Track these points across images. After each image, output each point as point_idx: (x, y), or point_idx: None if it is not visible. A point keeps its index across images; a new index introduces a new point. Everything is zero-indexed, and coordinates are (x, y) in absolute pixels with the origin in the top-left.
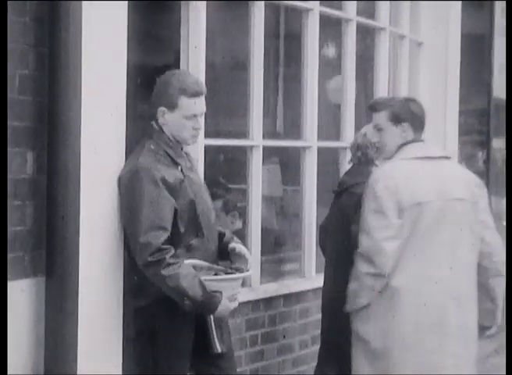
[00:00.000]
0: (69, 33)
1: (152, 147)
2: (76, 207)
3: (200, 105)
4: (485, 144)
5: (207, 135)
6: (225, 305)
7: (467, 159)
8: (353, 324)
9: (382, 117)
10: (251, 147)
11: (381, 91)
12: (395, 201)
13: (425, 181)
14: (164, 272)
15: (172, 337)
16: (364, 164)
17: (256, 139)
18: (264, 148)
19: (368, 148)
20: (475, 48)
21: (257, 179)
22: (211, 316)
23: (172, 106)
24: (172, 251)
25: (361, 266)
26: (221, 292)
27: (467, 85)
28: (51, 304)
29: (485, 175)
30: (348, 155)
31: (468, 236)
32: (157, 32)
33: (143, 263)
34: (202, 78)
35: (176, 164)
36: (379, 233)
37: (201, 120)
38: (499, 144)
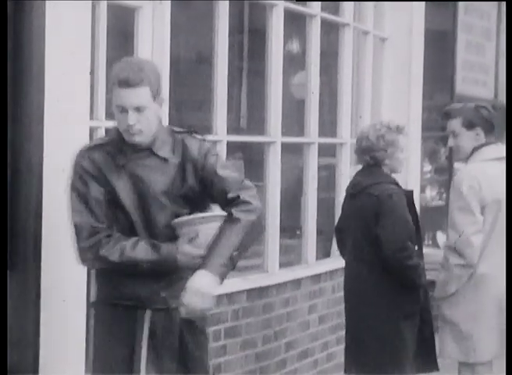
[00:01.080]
0: (33, 32)
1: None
2: (39, 201)
3: (129, 97)
4: (448, 140)
5: None
6: (186, 251)
7: (429, 155)
8: (441, 309)
9: (456, 124)
10: (215, 142)
11: (344, 86)
12: (478, 199)
13: (501, 180)
14: (103, 252)
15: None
16: (373, 165)
17: (220, 134)
18: (228, 143)
19: (374, 151)
20: (438, 45)
21: None
22: (145, 341)
23: (110, 96)
24: (107, 232)
25: (451, 259)
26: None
27: (431, 81)
28: (13, 297)
29: (447, 170)
30: (311, 151)
31: None
32: (124, 27)
33: (80, 251)
34: (166, 73)
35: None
36: (467, 228)
37: (140, 117)
38: None
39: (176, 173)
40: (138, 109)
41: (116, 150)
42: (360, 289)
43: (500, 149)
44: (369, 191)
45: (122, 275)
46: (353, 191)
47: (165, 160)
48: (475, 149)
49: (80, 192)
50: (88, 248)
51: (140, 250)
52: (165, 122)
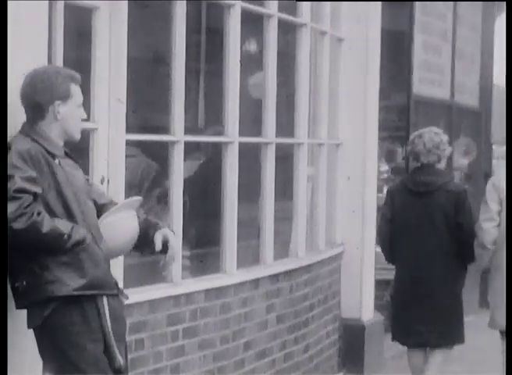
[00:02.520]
0: None
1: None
2: None
3: (80, 93)
4: (405, 140)
5: (128, 130)
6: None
7: (386, 155)
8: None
9: None
10: (173, 142)
11: (302, 86)
12: (497, 193)
13: None
14: (17, 225)
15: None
16: (432, 164)
17: (177, 134)
18: (186, 144)
19: (439, 150)
20: (395, 45)
21: (179, 174)
22: (110, 327)
23: (66, 96)
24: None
25: (475, 240)
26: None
27: (387, 81)
28: None
29: (404, 170)
30: (269, 151)
31: None
32: (81, 27)
33: (17, 213)
34: (124, 73)
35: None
36: (482, 215)
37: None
38: None
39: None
40: None
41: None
42: (439, 269)
43: None
44: (445, 188)
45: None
46: (428, 189)
47: (76, 162)
48: None
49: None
50: (25, 212)
51: (62, 223)
52: (123, 123)
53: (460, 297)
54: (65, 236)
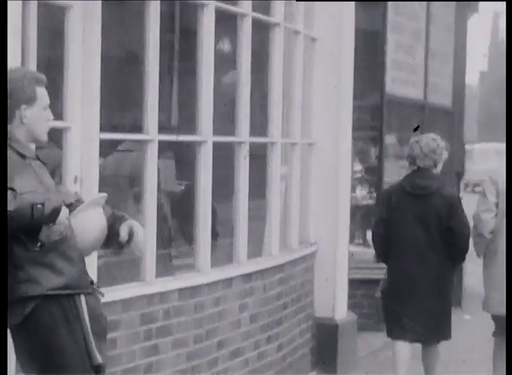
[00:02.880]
0: None
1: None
2: None
3: (47, 95)
4: (378, 140)
5: (102, 129)
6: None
7: (360, 155)
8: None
9: None
10: (147, 141)
11: (275, 85)
12: (495, 187)
13: None
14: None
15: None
16: (428, 168)
17: (151, 133)
18: (159, 143)
19: (436, 154)
20: (369, 45)
21: (153, 173)
22: (88, 326)
23: (31, 99)
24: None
25: (473, 230)
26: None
27: (361, 81)
28: None
29: (377, 170)
30: (242, 151)
31: None
32: (55, 26)
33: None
34: (98, 72)
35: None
36: (480, 206)
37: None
38: (391, 140)
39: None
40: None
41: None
42: (431, 269)
43: None
44: (440, 193)
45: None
46: (424, 193)
47: (44, 164)
48: None
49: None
50: None
51: (31, 195)
52: (97, 121)
53: (449, 295)
54: (39, 205)
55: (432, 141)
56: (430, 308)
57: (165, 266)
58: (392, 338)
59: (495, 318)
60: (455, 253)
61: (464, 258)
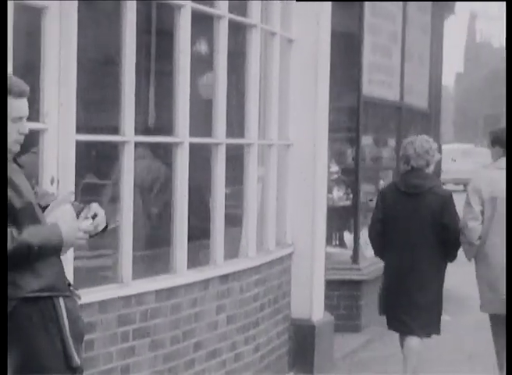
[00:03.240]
0: None
1: None
2: None
3: (26, 106)
4: (355, 141)
5: (78, 130)
6: (70, 228)
7: (336, 156)
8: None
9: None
10: (123, 142)
11: (252, 87)
12: (478, 196)
13: (500, 183)
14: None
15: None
16: (421, 168)
17: (128, 135)
18: (136, 144)
19: (429, 155)
20: (345, 46)
21: (129, 175)
22: (67, 328)
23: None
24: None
25: (461, 237)
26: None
27: (338, 82)
28: None
29: (353, 171)
30: (219, 152)
31: None
32: (31, 27)
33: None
34: (74, 73)
35: None
36: (466, 215)
37: (26, 124)
38: (367, 141)
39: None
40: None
41: None
42: (424, 263)
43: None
44: (434, 191)
45: (31, 267)
46: (417, 191)
47: (20, 167)
48: (495, 159)
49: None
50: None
51: (25, 232)
52: (73, 123)
53: (441, 291)
54: (36, 247)
55: (425, 142)
56: (422, 303)
57: (142, 268)
58: (394, 330)
59: (491, 317)
60: (448, 249)
61: (456, 255)
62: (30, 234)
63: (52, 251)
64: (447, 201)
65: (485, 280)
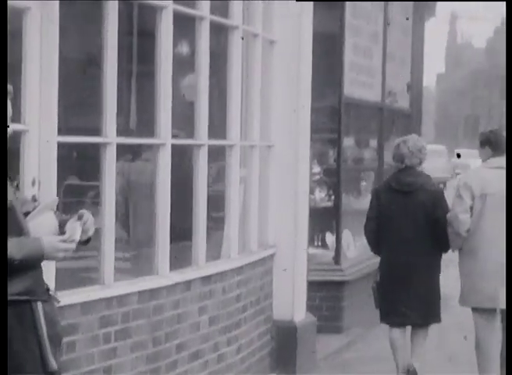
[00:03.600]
0: None
1: None
2: None
3: (9, 106)
4: (336, 142)
5: (60, 132)
6: (52, 243)
7: (318, 157)
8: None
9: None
10: (105, 144)
11: (234, 88)
12: (470, 192)
13: (489, 181)
14: None
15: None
16: (414, 166)
17: (109, 136)
18: (118, 146)
19: (422, 154)
20: (327, 47)
21: (111, 176)
22: (45, 332)
23: None
24: None
25: (448, 228)
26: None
27: (319, 84)
28: None
29: (335, 172)
30: (201, 153)
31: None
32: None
33: None
34: (56, 75)
35: None
36: (456, 208)
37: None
38: (349, 142)
39: None
40: None
41: None
42: (420, 258)
43: (499, 161)
44: (426, 188)
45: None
46: (410, 189)
47: None
48: (484, 159)
49: None
50: None
51: (9, 246)
52: (55, 124)
53: (438, 281)
54: (16, 262)
55: (417, 141)
56: (421, 294)
57: (125, 269)
58: (387, 323)
59: (474, 311)
60: (441, 243)
61: (449, 247)
62: (12, 247)
63: (33, 264)
64: (439, 197)
65: (470, 274)
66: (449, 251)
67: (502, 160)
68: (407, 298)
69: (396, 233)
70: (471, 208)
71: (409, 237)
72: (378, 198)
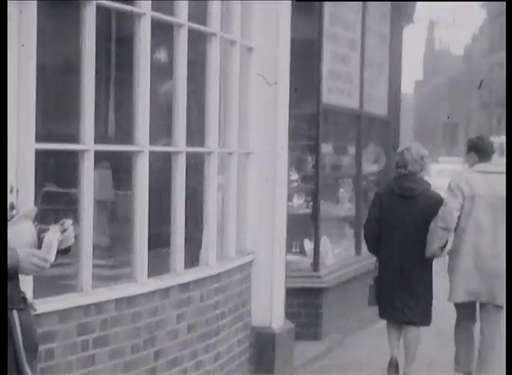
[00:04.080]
0: None
1: None
2: None
3: None
4: (315, 149)
5: (37, 139)
6: (27, 257)
7: (296, 164)
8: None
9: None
10: (83, 151)
11: (212, 95)
12: (460, 192)
13: (477, 184)
14: None
15: None
16: (415, 173)
17: (87, 143)
18: (96, 153)
19: (423, 161)
20: (305, 54)
21: (89, 183)
22: (20, 341)
23: None
24: None
25: (438, 223)
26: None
27: (297, 90)
28: None
29: (314, 179)
30: (179, 160)
31: (501, 215)
32: None
33: None
34: (33, 80)
35: None
36: (450, 204)
37: None
38: (327, 149)
39: None
40: None
41: None
42: (416, 260)
43: (484, 166)
44: (426, 194)
45: None
46: (411, 194)
47: None
48: (472, 165)
49: None
50: None
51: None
52: (32, 131)
53: (431, 285)
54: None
55: (420, 149)
56: (418, 294)
57: (102, 276)
58: (384, 318)
59: (458, 306)
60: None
61: (443, 251)
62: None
63: (7, 274)
64: (438, 203)
65: (456, 273)
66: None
67: (488, 165)
68: (403, 296)
69: (395, 236)
70: (462, 207)
71: (407, 240)
72: (380, 201)
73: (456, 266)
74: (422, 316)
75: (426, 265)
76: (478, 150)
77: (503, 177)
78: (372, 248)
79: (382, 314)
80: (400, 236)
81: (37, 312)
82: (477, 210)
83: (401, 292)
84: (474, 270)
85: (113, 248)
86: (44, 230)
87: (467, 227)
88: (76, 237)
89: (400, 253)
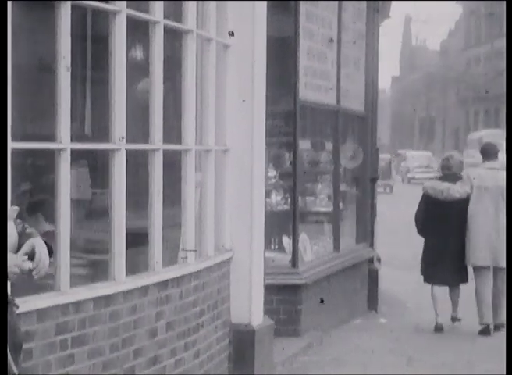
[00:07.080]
0: None
1: None
2: None
3: None
4: (292, 146)
5: (14, 138)
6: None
7: (274, 160)
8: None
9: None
10: (59, 150)
11: (188, 92)
12: (470, 181)
13: (484, 178)
14: None
15: None
16: (456, 174)
17: (64, 142)
18: (72, 151)
19: (453, 167)
20: (281, 51)
21: (66, 182)
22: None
23: None
24: None
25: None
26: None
27: (274, 87)
28: None
29: (291, 176)
30: (156, 158)
31: (501, 200)
32: None
33: None
34: (8, 80)
35: None
36: (463, 185)
37: None
38: (305, 145)
39: None
40: None
41: None
42: (454, 237)
43: (491, 164)
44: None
45: None
46: (453, 194)
47: None
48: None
49: None
50: None
51: None
52: (8, 131)
53: (464, 253)
54: None
55: (459, 157)
56: (454, 263)
57: (80, 275)
58: (430, 283)
59: (475, 269)
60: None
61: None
62: None
63: None
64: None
65: (470, 243)
66: None
67: (493, 163)
68: (445, 264)
69: (438, 221)
70: (471, 193)
71: (448, 224)
72: (428, 195)
73: (469, 238)
74: (458, 278)
75: (461, 241)
76: (484, 153)
77: (502, 173)
78: (421, 231)
79: (428, 279)
80: (442, 221)
81: (16, 312)
82: (484, 199)
83: (443, 261)
84: (480, 242)
85: (91, 246)
86: (26, 234)
87: (474, 212)
88: (53, 232)
89: (442, 232)
